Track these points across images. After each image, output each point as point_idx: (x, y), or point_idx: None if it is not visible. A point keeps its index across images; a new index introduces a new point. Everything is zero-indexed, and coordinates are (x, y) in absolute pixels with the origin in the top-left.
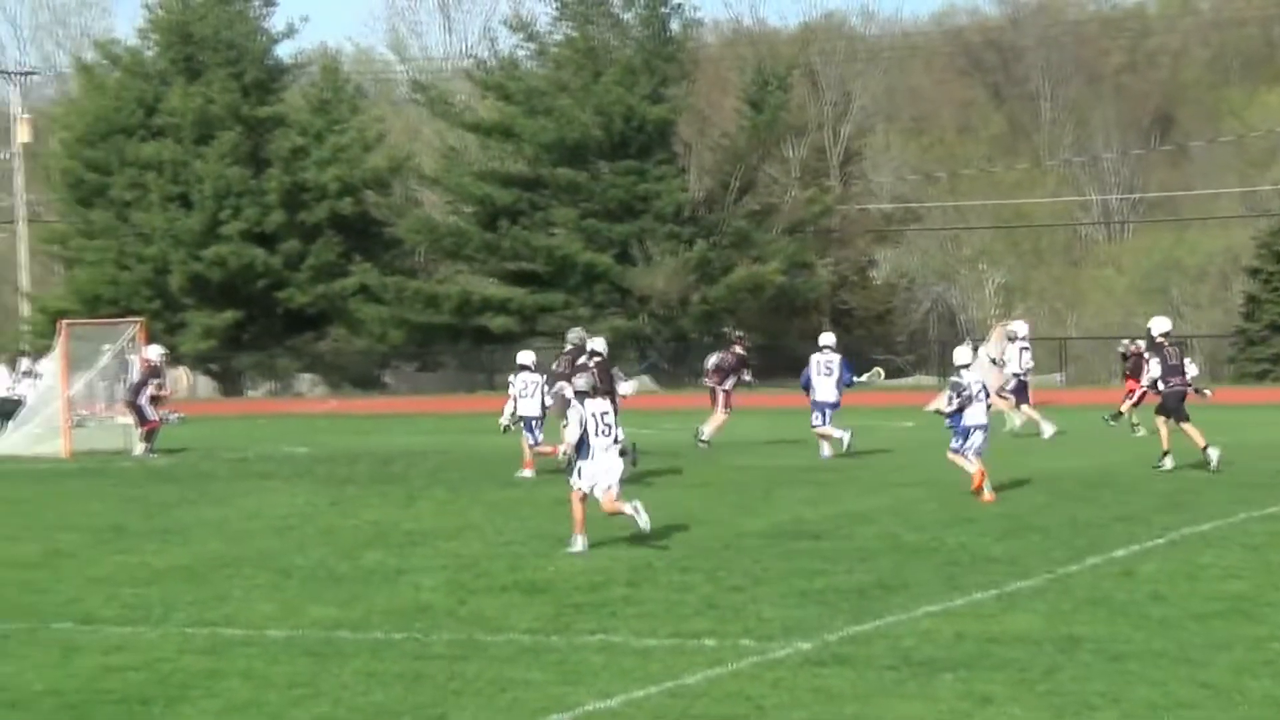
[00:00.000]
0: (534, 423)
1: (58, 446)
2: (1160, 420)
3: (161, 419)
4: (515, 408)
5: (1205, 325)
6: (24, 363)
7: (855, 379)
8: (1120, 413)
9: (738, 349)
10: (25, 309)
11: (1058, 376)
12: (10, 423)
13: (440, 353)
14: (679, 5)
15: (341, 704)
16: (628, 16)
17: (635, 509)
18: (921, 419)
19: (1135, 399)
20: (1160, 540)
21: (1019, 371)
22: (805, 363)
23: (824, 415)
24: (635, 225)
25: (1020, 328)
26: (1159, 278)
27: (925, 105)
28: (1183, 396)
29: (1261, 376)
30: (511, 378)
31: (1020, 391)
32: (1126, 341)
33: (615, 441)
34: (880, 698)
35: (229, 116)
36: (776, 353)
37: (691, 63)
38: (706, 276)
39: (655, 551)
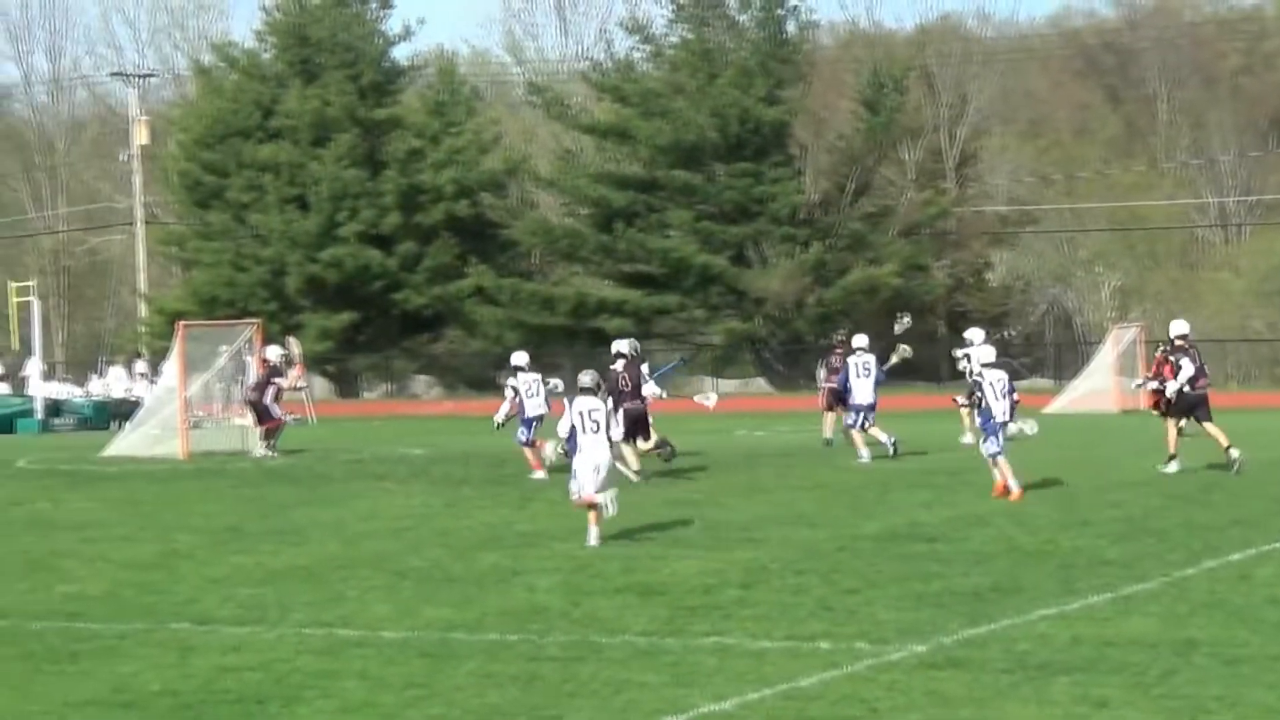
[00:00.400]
0: (535, 423)
1: (175, 447)
2: (1172, 422)
3: (283, 419)
4: (512, 409)
5: None
6: (139, 364)
7: (884, 370)
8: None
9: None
10: (143, 310)
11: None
12: (127, 424)
13: (555, 355)
14: (795, 7)
15: (456, 705)
16: (744, 18)
17: (609, 500)
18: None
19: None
20: (1277, 544)
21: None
22: (918, 365)
23: (861, 417)
24: (751, 227)
25: (975, 335)
26: (1276, 280)
27: (1041, 107)
28: (1205, 398)
29: None
30: (510, 380)
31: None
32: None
33: (609, 439)
34: (995, 701)
35: (346, 119)
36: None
37: (807, 65)
38: (822, 279)
39: (770, 554)
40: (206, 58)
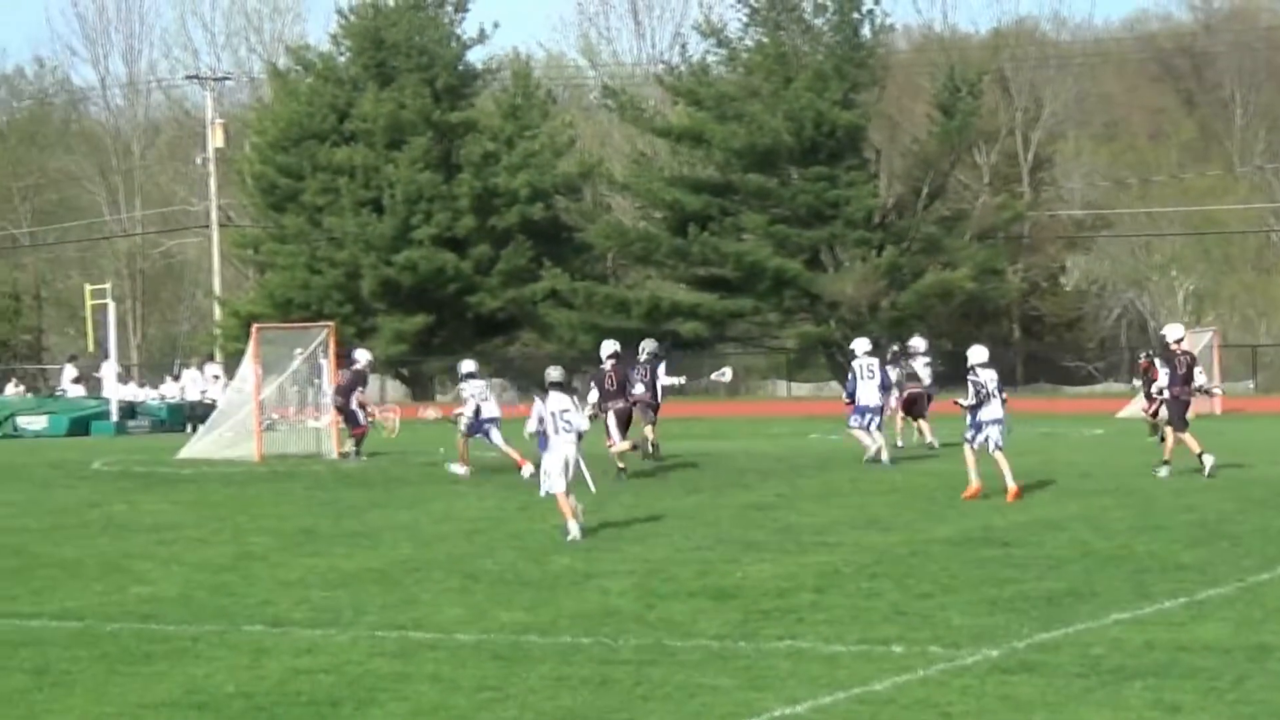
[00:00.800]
0: (497, 423)
1: (249, 450)
2: (1170, 430)
3: (368, 425)
4: (471, 411)
5: None
6: (212, 367)
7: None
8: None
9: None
10: (217, 313)
11: (1249, 383)
12: (201, 426)
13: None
14: (870, 11)
15: (529, 708)
16: (819, 22)
17: (577, 514)
18: (1110, 426)
19: (1153, 409)
20: None
21: (928, 384)
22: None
23: (866, 419)
24: (825, 231)
25: (919, 343)
26: None
27: (1116, 111)
28: (1186, 406)
29: None
30: (462, 385)
31: (914, 404)
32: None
33: (579, 436)
34: (1068, 705)
35: (420, 122)
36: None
37: (882, 68)
38: (896, 282)
39: (843, 558)
40: (282, 61)
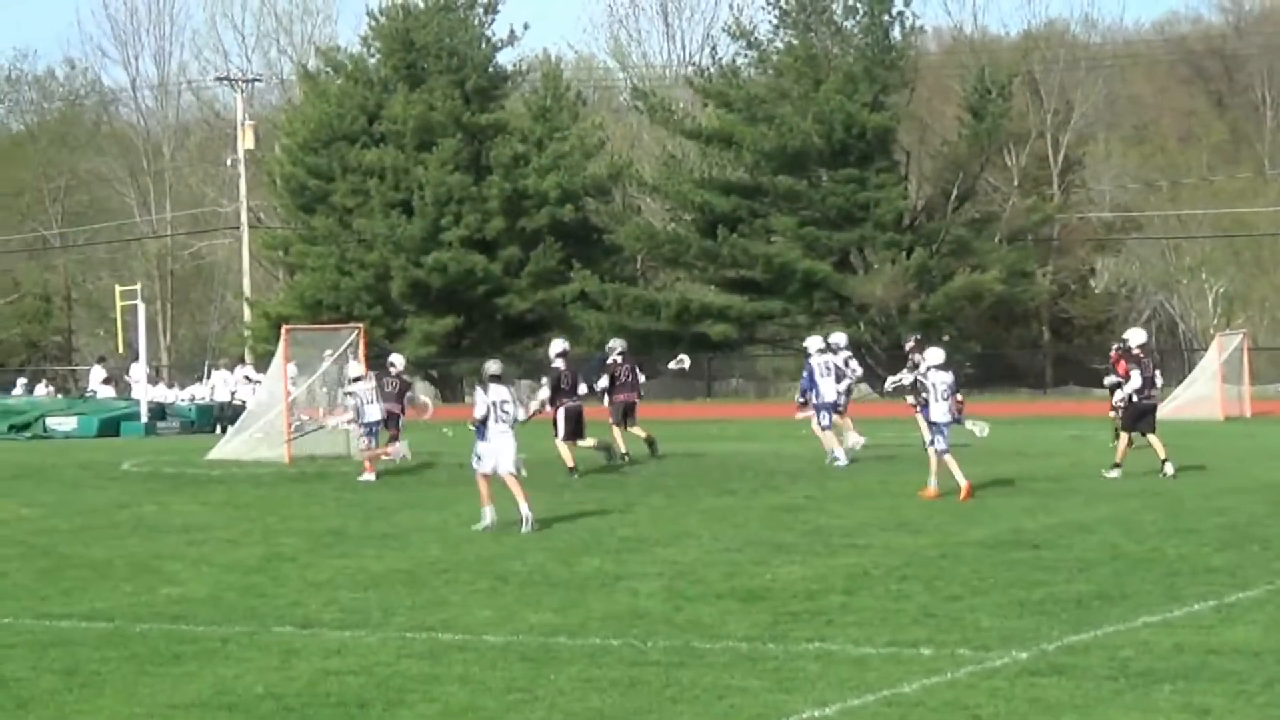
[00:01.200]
0: (376, 427)
1: (279, 451)
2: (1124, 434)
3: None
4: (358, 416)
5: None
6: (242, 368)
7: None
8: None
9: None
10: (247, 314)
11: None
12: (231, 427)
13: (658, 360)
14: (900, 13)
15: (558, 709)
16: (849, 24)
17: (526, 509)
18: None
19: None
20: None
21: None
22: (1022, 372)
23: (826, 415)
24: (855, 233)
25: (839, 339)
26: None
27: (1146, 113)
28: (1154, 409)
29: None
30: (350, 387)
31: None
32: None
33: (511, 427)
34: (1097, 708)
35: (450, 123)
36: (995, 361)
37: (912, 70)
38: (926, 284)
39: (873, 560)
40: (312, 62)
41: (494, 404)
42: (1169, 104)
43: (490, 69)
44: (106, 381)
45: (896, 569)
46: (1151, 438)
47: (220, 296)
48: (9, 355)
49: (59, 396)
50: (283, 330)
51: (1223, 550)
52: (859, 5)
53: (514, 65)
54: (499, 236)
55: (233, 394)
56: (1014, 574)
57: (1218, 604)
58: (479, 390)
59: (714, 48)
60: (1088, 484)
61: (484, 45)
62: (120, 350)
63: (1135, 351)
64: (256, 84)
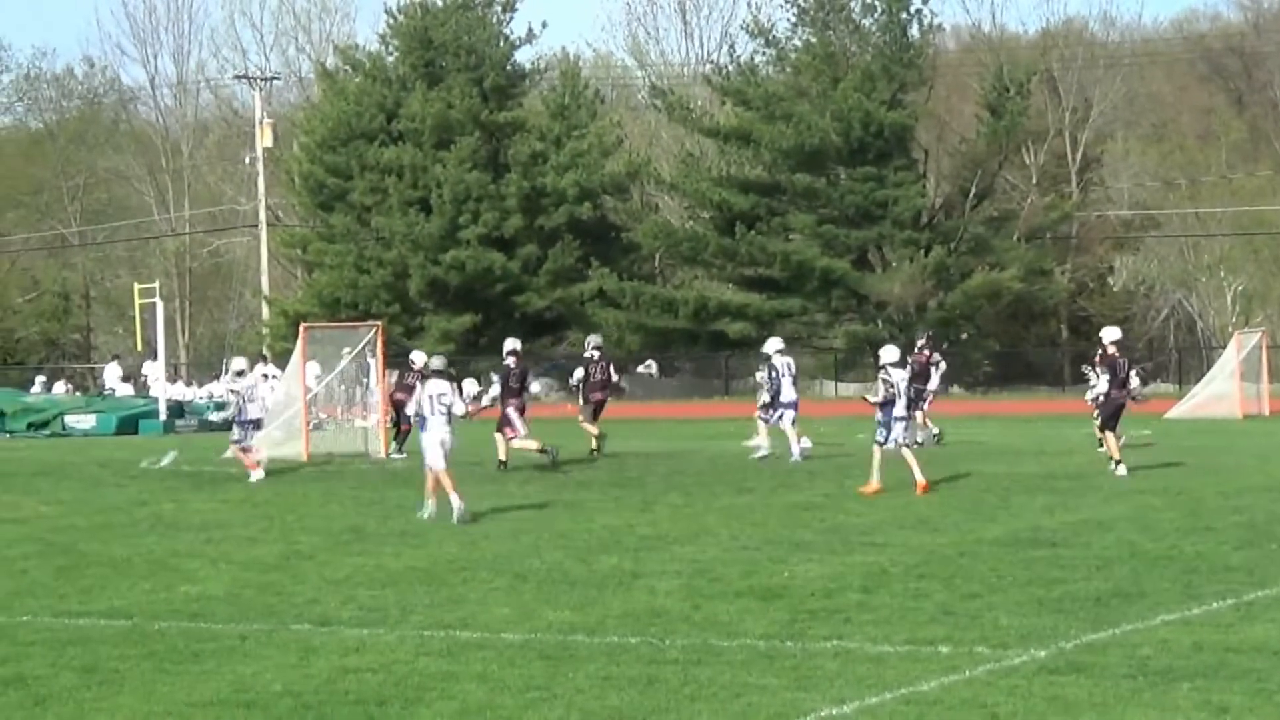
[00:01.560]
0: (252, 426)
1: (297, 449)
2: (1110, 435)
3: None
4: (239, 413)
5: None
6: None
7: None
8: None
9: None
10: (265, 312)
11: None
12: None
13: (676, 358)
14: (918, 11)
15: (576, 708)
16: (867, 22)
17: (457, 500)
18: (1158, 427)
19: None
20: None
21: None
22: (1041, 370)
23: (779, 414)
24: (873, 231)
25: (891, 353)
26: None
27: (1165, 111)
28: (1121, 408)
29: None
30: (232, 384)
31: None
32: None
33: (449, 420)
34: (1116, 706)
35: (468, 121)
36: (1014, 359)
37: (930, 68)
38: (944, 282)
39: (890, 558)
40: (330, 60)
41: (431, 397)
42: (1188, 102)
43: (508, 67)
44: (125, 379)
45: (914, 567)
46: (1109, 435)
47: (238, 294)
48: (28, 353)
49: (78, 394)
50: (301, 328)
51: (1241, 548)
52: (877, 3)
53: (532, 63)
54: (517, 234)
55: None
56: (1032, 572)
57: (1236, 602)
58: (417, 385)
59: (732, 45)
60: (1106, 482)
61: (502, 43)
62: (139, 348)
63: (1110, 350)
64: (275, 82)
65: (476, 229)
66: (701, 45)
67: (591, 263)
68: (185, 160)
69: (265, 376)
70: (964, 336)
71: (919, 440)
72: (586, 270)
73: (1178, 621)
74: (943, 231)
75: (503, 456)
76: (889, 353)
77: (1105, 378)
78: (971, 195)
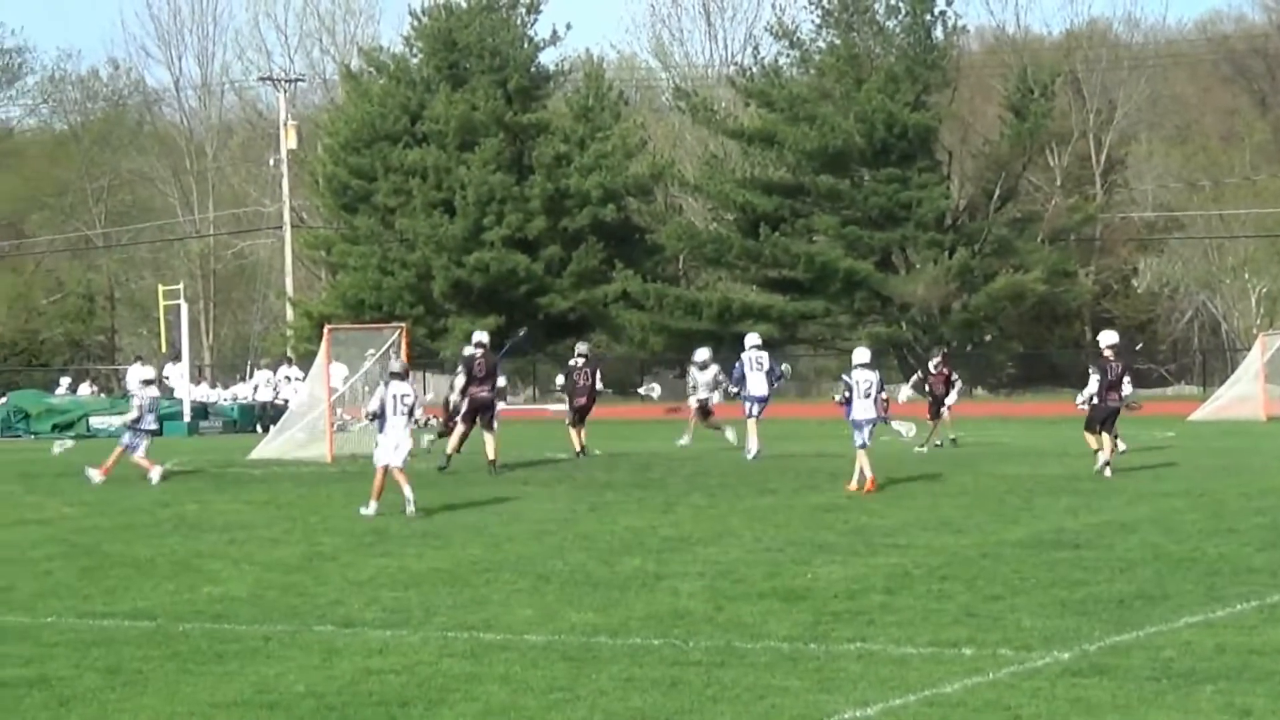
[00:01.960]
0: (146, 435)
1: (320, 450)
2: (1090, 435)
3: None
4: (139, 419)
5: None
6: (285, 368)
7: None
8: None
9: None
10: (289, 314)
11: None
12: (273, 426)
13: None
14: (943, 12)
15: (599, 709)
16: (891, 24)
17: (410, 498)
18: (1182, 429)
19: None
20: None
21: (704, 396)
22: (1065, 372)
23: (754, 407)
24: (896, 233)
25: (702, 354)
26: None
27: (1189, 113)
28: (1116, 413)
29: None
30: (139, 391)
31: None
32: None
33: (411, 419)
34: (1139, 708)
35: (492, 123)
36: (1038, 361)
37: (954, 70)
38: (968, 284)
39: (914, 560)
40: (354, 62)
41: (394, 397)
42: (1211, 103)
43: (532, 69)
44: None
45: (937, 569)
46: (1104, 437)
47: (262, 296)
48: (53, 355)
49: (102, 396)
50: (325, 330)
51: (1264, 550)
52: (901, 5)
53: (556, 65)
54: (541, 236)
55: (276, 393)
56: (1055, 574)
57: (1260, 604)
58: (380, 384)
59: (756, 47)
60: (1129, 484)
61: (526, 45)
62: (163, 349)
63: (1105, 354)
64: (299, 84)
65: (500, 231)
66: (725, 47)
67: (615, 264)
68: (209, 162)
69: (288, 379)
70: (988, 338)
71: (937, 443)
72: (610, 272)
73: (1201, 624)
74: (966, 233)
75: (492, 455)
76: (859, 354)
77: (1095, 379)
78: (995, 197)
